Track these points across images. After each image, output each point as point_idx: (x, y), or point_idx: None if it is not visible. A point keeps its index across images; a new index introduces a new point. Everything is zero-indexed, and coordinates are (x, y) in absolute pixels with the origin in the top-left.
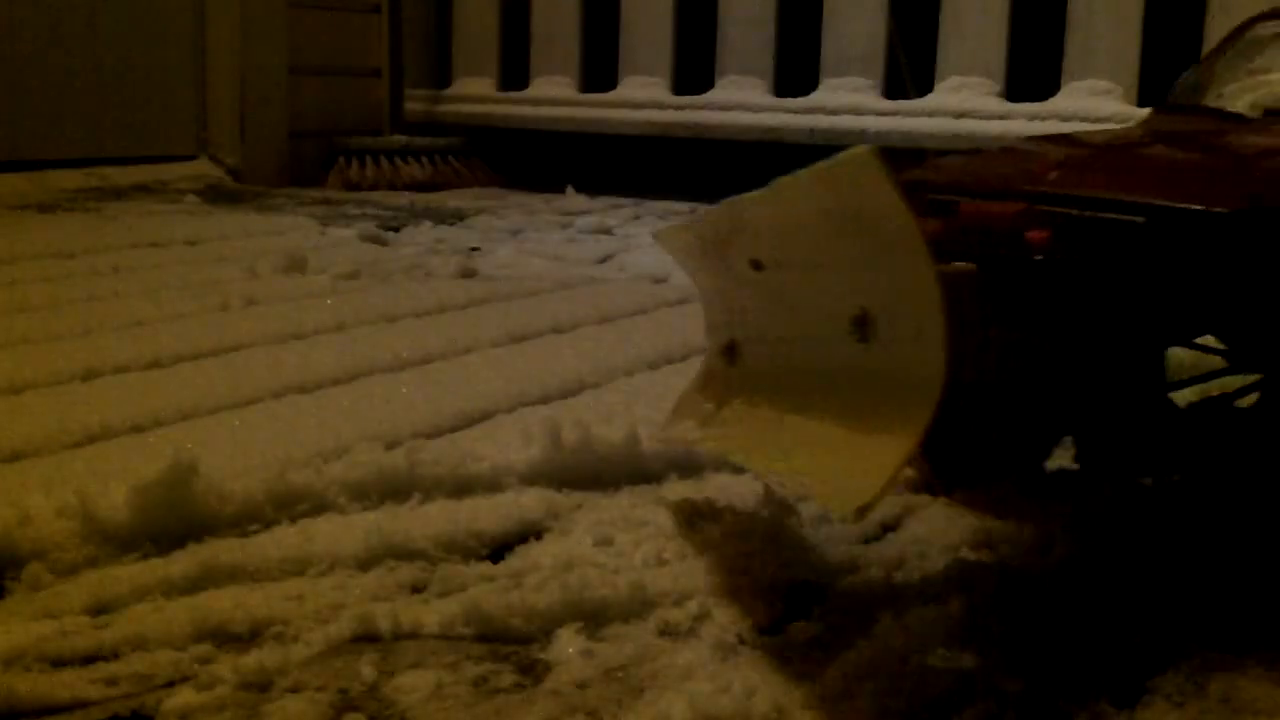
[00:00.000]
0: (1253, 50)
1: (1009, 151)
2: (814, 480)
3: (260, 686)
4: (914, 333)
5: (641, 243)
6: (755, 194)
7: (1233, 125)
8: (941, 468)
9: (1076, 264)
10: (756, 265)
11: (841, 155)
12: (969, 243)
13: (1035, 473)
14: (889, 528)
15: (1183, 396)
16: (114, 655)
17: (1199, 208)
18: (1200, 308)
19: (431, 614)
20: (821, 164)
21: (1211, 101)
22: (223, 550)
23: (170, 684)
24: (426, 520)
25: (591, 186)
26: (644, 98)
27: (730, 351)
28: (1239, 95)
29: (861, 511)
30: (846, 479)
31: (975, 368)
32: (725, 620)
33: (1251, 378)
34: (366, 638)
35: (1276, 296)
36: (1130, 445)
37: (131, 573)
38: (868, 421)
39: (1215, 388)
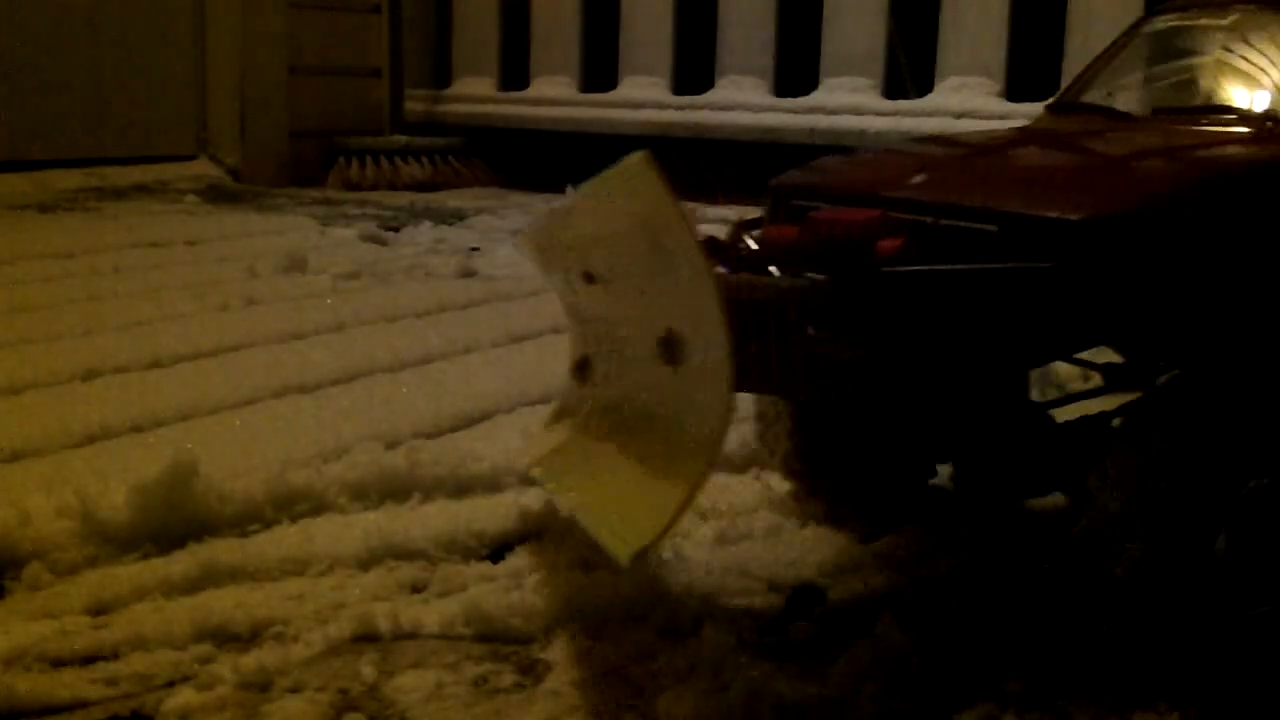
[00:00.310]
0: (1146, 46)
1: (880, 154)
2: (601, 520)
3: (260, 686)
4: (703, 359)
5: None
6: (568, 204)
7: (1118, 124)
8: (822, 483)
9: (927, 275)
10: (589, 278)
11: (621, 163)
12: (821, 252)
13: (919, 489)
14: (889, 529)
15: (1063, 414)
16: (114, 655)
17: (1053, 216)
18: (1061, 320)
19: (431, 614)
20: (606, 172)
21: (1103, 99)
22: (223, 550)
23: (170, 684)
24: (426, 520)
25: None
26: (644, 98)
27: (582, 368)
28: (1130, 92)
29: (637, 557)
30: (629, 521)
31: (811, 387)
32: (725, 620)
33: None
34: (366, 638)
35: (1146, 305)
36: (1005, 465)
37: (131, 573)
38: (664, 457)
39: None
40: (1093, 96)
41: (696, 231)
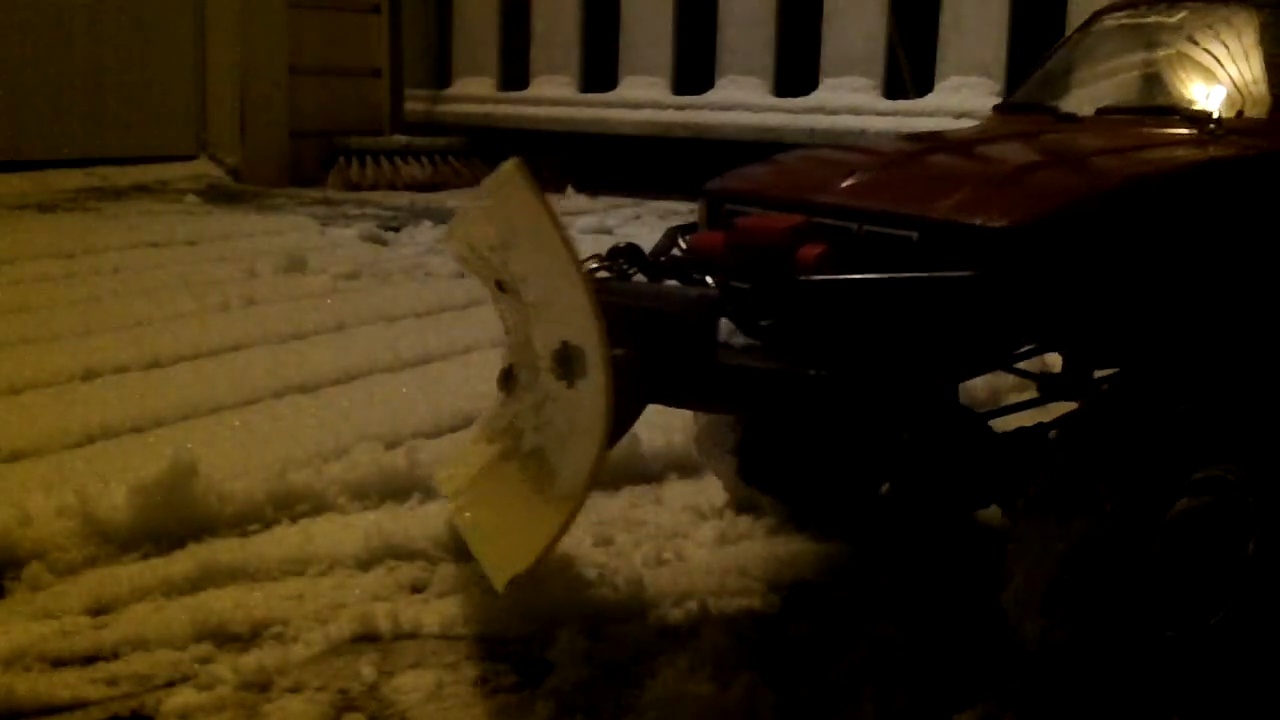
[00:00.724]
0: (1097, 44)
1: (817, 155)
2: (483, 543)
3: (260, 686)
4: (588, 376)
5: (641, 243)
6: (465, 210)
7: (1060, 125)
8: (768, 495)
9: (845, 284)
10: (500, 286)
11: (498, 169)
12: (741, 260)
13: (867, 499)
14: (891, 528)
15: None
16: (114, 655)
17: (973, 223)
18: (983, 330)
19: (431, 614)
20: (486, 179)
21: (1050, 99)
22: (223, 550)
23: (170, 684)
24: (426, 520)
25: (591, 186)
26: (644, 98)
27: (508, 378)
28: (1078, 91)
29: (510, 584)
30: (507, 547)
31: (729, 401)
32: (725, 620)
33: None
34: (366, 638)
35: (1073, 311)
36: (939, 479)
37: (131, 573)
38: (550, 481)
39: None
40: (1041, 96)
41: (569, 238)
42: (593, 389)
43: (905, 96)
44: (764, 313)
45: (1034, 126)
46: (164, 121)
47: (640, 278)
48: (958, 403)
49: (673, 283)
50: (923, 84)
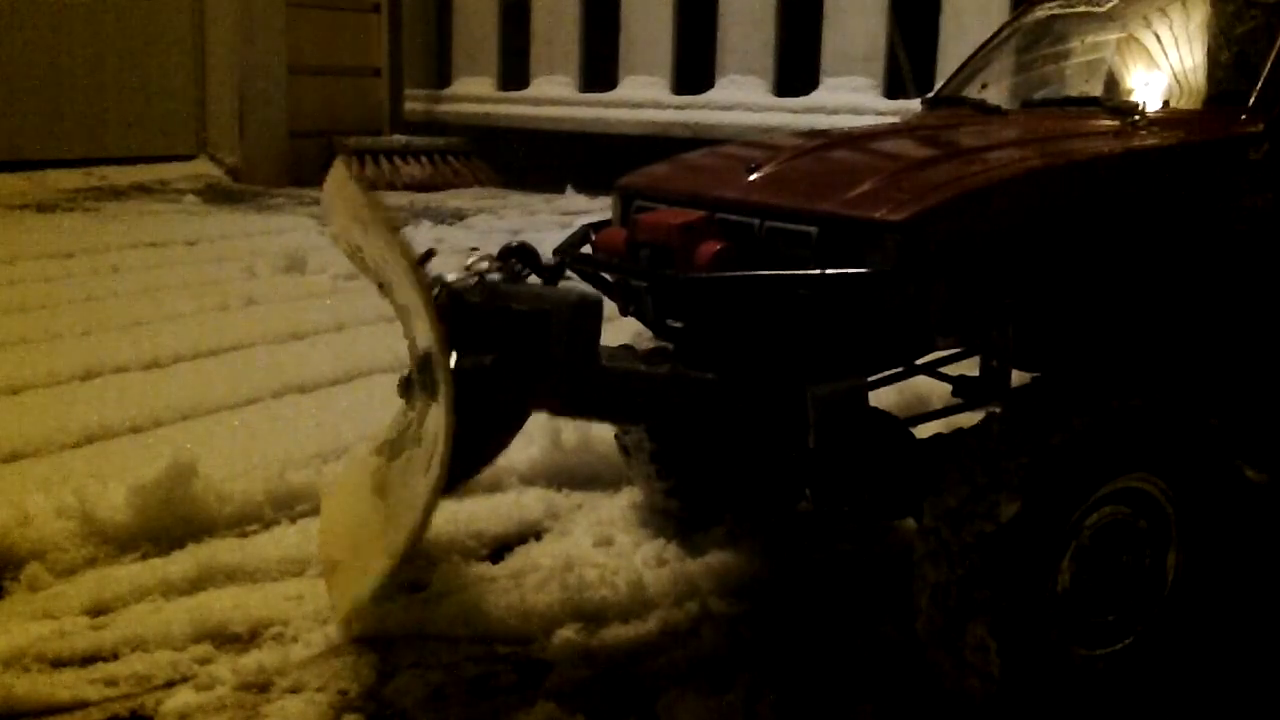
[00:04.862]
0: (1026, 35)
1: (727, 151)
2: (331, 573)
3: (260, 687)
4: (440, 388)
5: None
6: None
7: (981, 119)
8: (688, 500)
9: (739, 281)
10: (382, 289)
11: (330, 170)
12: (640, 258)
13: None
14: (890, 529)
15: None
16: (113, 656)
17: (874, 216)
18: (879, 327)
19: (431, 614)
20: (326, 180)
21: (978, 92)
22: (222, 550)
23: (169, 684)
24: None
25: (591, 186)
26: (644, 97)
27: (405, 387)
28: (1006, 84)
29: (350, 615)
30: (350, 577)
31: (621, 408)
32: (725, 620)
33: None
34: (366, 638)
35: (975, 308)
36: (854, 485)
37: (131, 573)
38: (405, 504)
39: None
40: (968, 89)
41: (404, 242)
42: (442, 403)
43: (905, 96)
44: (668, 313)
45: (954, 120)
46: (164, 121)
47: (534, 279)
48: (866, 406)
49: (570, 283)
50: (923, 84)
